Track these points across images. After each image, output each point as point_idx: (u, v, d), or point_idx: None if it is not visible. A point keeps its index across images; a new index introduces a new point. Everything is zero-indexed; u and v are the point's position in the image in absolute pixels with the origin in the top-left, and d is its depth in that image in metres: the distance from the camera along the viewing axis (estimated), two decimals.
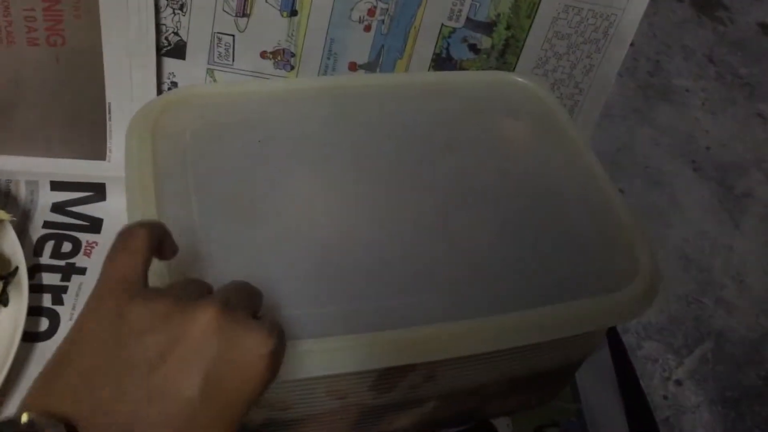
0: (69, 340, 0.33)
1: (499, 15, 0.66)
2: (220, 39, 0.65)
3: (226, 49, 0.66)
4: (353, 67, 0.68)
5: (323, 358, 0.43)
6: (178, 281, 0.36)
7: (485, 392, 0.54)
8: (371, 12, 0.65)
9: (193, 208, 0.49)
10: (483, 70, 0.68)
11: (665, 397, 1.21)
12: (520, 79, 0.63)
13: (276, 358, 0.33)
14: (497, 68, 0.69)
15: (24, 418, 0.29)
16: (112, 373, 0.30)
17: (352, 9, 0.64)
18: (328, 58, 0.67)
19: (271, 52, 0.66)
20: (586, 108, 0.71)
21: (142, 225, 0.36)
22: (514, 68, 0.69)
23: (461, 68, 0.68)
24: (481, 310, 0.46)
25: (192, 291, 0.35)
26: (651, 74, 1.48)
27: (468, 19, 0.66)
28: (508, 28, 0.67)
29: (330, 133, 0.57)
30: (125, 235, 0.35)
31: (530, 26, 0.67)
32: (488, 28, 0.66)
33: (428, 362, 0.47)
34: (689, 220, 1.26)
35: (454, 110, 0.61)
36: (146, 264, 0.35)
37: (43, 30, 0.60)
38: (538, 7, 0.66)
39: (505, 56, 0.68)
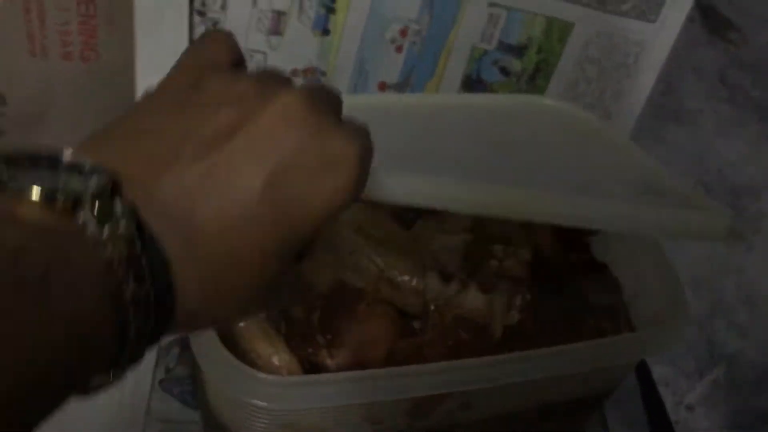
0: (135, 105, 0.28)
1: (530, 38, 0.66)
2: (252, 56, 0.65)
3: (258, 67, 0.65)
4: (383, 86, 0.68)
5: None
6: (259, 68, 0.31)
7: (517, 420, 0.54)
8: (404, 33, 0.65)
9: None
10: (514, 92, 0.68)
11: (676, 422, 1.20)
12: (555, 104, 0.63)
13: (364, 167, 0.27)
14: (527, 92, 0.68)
15: (67, 156, 0.24)
16: (172, 137, 0.26)
17: (385, 29, 0.64)
18: (359, 77, 0.67)
19: (302, 71, 0.66)
20: None
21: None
22: (544, 92, 0.69)
23: (491, 91, 0.68)
24: None
25: (276, 77, 0.29)
26: (663, 95, 1.47)
27: (500, 41, 0.66)
28: (539, 51, 0.66)
29: None
30: (210, 31, 0.32)
31: (562, 51, 0.66)
32: (519, 51, 0.66)
33: (465, 390, 0.47)
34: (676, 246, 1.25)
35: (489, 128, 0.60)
36: (231, 53, 0.30)
37: (78, 44, 0.60)
38: (570, 32, 0.65)
39: (536, 80, 0.68)
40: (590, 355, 0.49)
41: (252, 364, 0.47)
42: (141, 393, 0.56)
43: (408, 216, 0.58)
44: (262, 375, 0.43)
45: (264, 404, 0.42)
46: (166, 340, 0.59)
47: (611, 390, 0.57)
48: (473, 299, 0.52)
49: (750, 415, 1.19)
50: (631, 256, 0.57)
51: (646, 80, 0.69)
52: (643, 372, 0.65)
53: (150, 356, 0.58)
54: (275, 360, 0.48)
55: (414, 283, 0.52)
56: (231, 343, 0.48)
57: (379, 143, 0.28)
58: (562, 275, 0.56)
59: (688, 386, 1.21)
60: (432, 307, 0.52)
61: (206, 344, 0.43)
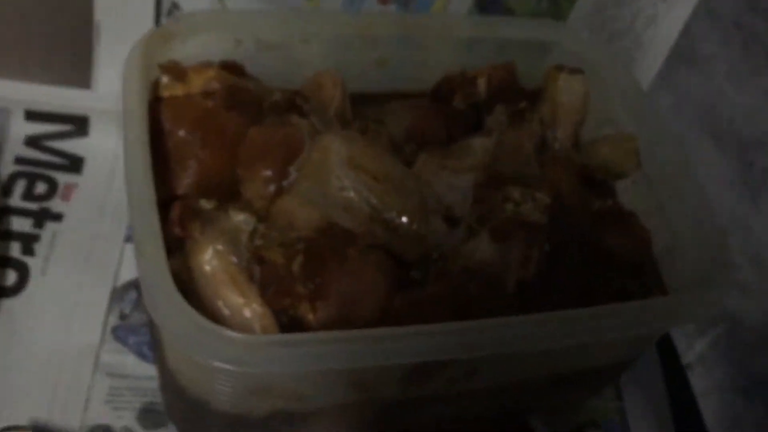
0: None
1: None
2: None
3: None
4: (384, 0, 0.58)
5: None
6: None
7: (526, 390, 0.47)
8: None
9: None
10: (533, 13, 0.59)
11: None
12: None
13: None
14: (549, 12, 0.59)
15: None
16: None
17: None
18: None
19: None
20: (644, 67, 0.63)
21: None
22: (569, 13, 0.60)
23: (508, 9, 0.59)
24: None
25: None
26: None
27: None
28: None
29: None
30: None
31: None
32: None
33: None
34: (708, 195, 1.17)
35: None
36: None
37: None
38: None
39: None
40: (615, 322, 0.41)
41: (217, 316, 0.40)
42: (89, 341, 0.48)
43: (409, 149, 0.50)
44: (228, 332, 0.35)
45: (231, 367, 0.35)
46: (122, 281, 0.51)
47: (633, 359, 0.50)
48: (484, 249, 0.44)
49: (749, 377, 1.14)
50: (664, 204, 0.49)
51: (684, 7, 0.60)
52: (665, 343, 0.58)
53: (101, 297, 0.50)
54: (246, 312, 0.40)
55: (415, 226, 0.44)
56: (192, 290, 0.40)
57: None
58: (584, 224, 0.49)
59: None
60: (435, 256, 0.44)
61: (159, 291, 0.35)
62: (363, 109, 0.51)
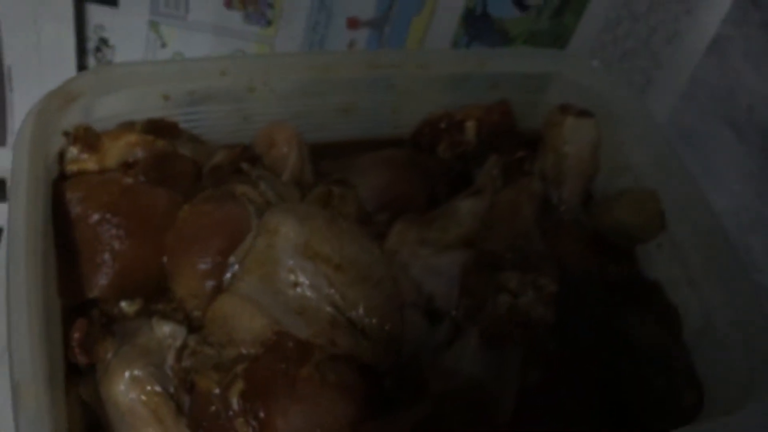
0: None
1: None
2: None
3: None
4: (354, 23, 0.49)
5: None
6: None
7: None
8: None
9: None
10: (532, 32, 0.50)
11: None
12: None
13: None
14: (550, 29, 0.50)
15: None
16: None
17: None
18: (319, 11, 0.48)
19: (240, 0, 0.48)
20: (663, 87, 0.54)
21: None
22: (573, 32, 0.50)
23: (501, 29, 0.50)
24: None
25: None
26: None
27: None
28: None
29: None
30: None
31: None
32: None
33: None
34: (726, 190, 1.07)
35: None
36: None
37: None
38: None
39: (562, 16, 0.50)
40: None
41: None
42: None
43: (382, 217, 0.41)
44: None
45: None
46: None
47: None
48: (472, 355, 0.35)
49: None
50: (695, 273, 0.40)
51: (711, 17, 0.51)
52: None
53: None
54: None
55: (387, 327, 0.35)
56: (107, 426, 0.32)
57: None
58: (599, 303, 0.40)
59: None
60: (412, 367, 0.36)
61: None
62: (326, 163, 0.43)
